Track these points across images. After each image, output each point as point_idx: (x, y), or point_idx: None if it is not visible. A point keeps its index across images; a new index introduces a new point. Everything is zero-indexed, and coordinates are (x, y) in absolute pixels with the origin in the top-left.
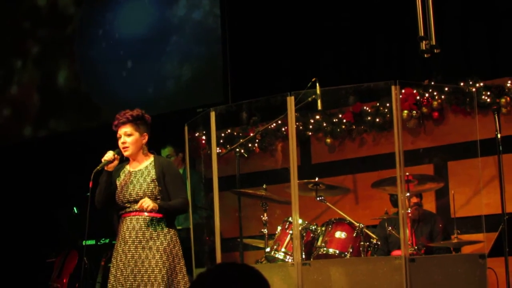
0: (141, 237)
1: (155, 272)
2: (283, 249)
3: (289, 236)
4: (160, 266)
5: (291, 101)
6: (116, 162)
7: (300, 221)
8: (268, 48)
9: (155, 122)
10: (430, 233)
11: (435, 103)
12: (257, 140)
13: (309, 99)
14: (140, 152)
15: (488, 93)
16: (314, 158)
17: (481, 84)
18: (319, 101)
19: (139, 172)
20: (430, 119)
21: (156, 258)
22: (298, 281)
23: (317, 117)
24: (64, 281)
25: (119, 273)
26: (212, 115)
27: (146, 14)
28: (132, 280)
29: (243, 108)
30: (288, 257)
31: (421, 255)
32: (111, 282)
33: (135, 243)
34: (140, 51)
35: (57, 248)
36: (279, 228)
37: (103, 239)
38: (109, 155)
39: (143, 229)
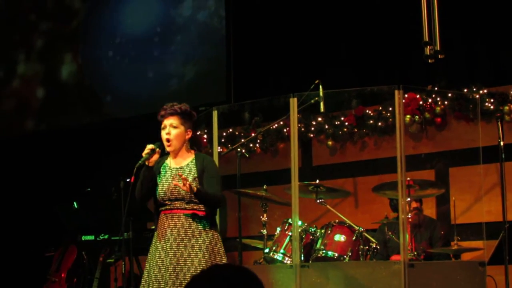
0: (183, 235)
1: (197, 271)
2: (282, 250)
3: (288, 237)
4: (203, 265)
5: (293, 102)
6: (157, 156)
7: (299, 223)
8: (272, 49)
9: (157, 120)
10: (430, 238)
11: (438, 108)
12: (258, 141)
13: (312, 101)
14: (183, 148)
15: (492, 100)
16: (315, 160)
17: (485, 91)
18: (321, 103)
19: (180, 170)
20: (432, 124)
21: (199, 256)
22: (296, 283)
23: (319, 119)
24: (62, 275)
25: (156, 270)
26: (215, 114)
27: (151, 12)
28: (174, 279)
29: (245, 108)
30: (287, 258)
31: (420, 260)
32: (145, 277)
33: (177, 241)
34: (144, 48)
35: (56, 242)
36: (278, 229)
37: (102, 234)
38: (149, 148)
39: (185, 227)
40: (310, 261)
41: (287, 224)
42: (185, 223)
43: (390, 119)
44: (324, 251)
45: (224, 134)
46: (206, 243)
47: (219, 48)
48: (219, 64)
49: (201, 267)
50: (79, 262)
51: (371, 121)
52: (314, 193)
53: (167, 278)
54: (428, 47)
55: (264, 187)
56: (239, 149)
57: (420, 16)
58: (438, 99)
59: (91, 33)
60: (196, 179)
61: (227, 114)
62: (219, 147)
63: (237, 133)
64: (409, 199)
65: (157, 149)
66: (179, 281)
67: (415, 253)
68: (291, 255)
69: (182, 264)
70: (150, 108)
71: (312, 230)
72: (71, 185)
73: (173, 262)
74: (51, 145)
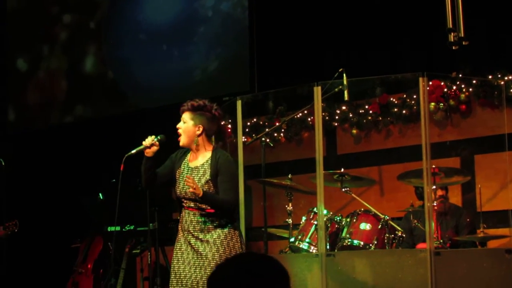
0: (199, 231)
1: (211, 265)
2: (307, 240)
3: (313, 226)
4: (217, 259)
5: (317, 91)
6: (155, 148)
7: (325, 211)
8: (295, 38)
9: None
10: (456, 226)
11: (462, 95)
12: (282, 130)
13: (336, 89)
14: (193, 144)
15: None
16: (339, 149)
17: (510, 77)
18: (346, 92)
19: (196, 170)
20: (457, 111)
21: (213, 251)
22: (322, 271)
23: (344, 107)
24: (89, 266)
25: (176, 262)
26: (239, 104)
27: (174, 3)
28: (192, 272)
29: (269, 97)
30: (312, 247)
31: (447, 248)
32: (175, 269)
33: (195, 236)
34: (168, 40)
35: (82, 234)
36: (303, 218)
37: (128, 225)
38: (148, 140)
39: (200, 224)
40: (336, 250)
41: (312, 213)
42: (200, 220)
43: (415, 107)
44: (349, 240)
45: (248, 123)
46: (221, 237)
47: (242, 38)
48: (242, 54)
49: (215, 262)
50: (105, 253)
51: (395, 109)
52: (339, 181)
53: (187, 271)
54: (452, 33)
55: (289, 176)
56: (263, 139)
57: (444, 3)
58: (463, 86)
59: (114, 25)
60: (209, 181)
61: (251, 103)
62: (243, 137)
63: (261, 122)
64: (434, 187)
65: (155, 141)
66: (199, 275)
67: (441, 241)
68: (316, 244)
69: (199, 259)
70: (174, 99)
71: (338, 218)
72: (96, 176)
73: (189, 256)
74: (76, 137)
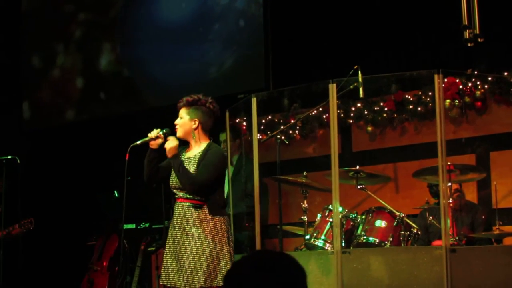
0: (185, 224)
1: (195, 259)
2: (322, 237)
3: (329, 224)
4: (200, 253)
5: (332, 88)
6: (160, 141)
7: (340, 209)
8: (310, 35)
9: None
10: (472, 223)
11: (478, 92)
12: (298, 127)
13: (351, 86)
14: (190, 137)
15: None
16: (355, 146)
17: None
18: (361, 89)
19: (187, 160)
20: (472, 108)
21: (197, 245)
22: (337, 269)
23: (359, 105)
24: (104, 264)
25: (169, 255)
26: (254, 101)
27: (189, 1)
28: (180, 266)
29: (284, 94)
30: (327, 245)
31: (462, 245)
32: (164, 263)
33: (181, 229)
34: (183, 37)
35: (97, 231)
36: (319, 215)
37: (143, 223)
38: (153, 132)
39: (187, 216)
40: (351, 247)
41: (328, 211)
42: (187, 212)
43: (430, 104)
44: (365, 237)
45: (264, 121)
46: (206, 231)
47: (257, 35)
48: (257, 51)
49: (198, 256)
50: (121, 250)
51: (410, 106)
52: (354, 179)
53: (174, 265)
54: (467, 30)
55: (304, 173)
56: (278, 136)
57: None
58: (478, 83)
59: (129, 22)
60: (197, 169)
61: (266, 101)
62: (258, 134)
63: (276, 120)
64: (450, 184)
65: (160, 134)
66: (184, 268)
67: (457, 238)
68: (332, 242)
69: (184, 252)
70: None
71: (353, 216)
72: (111, 174)
73: (176, 250)
74: (91, 134)
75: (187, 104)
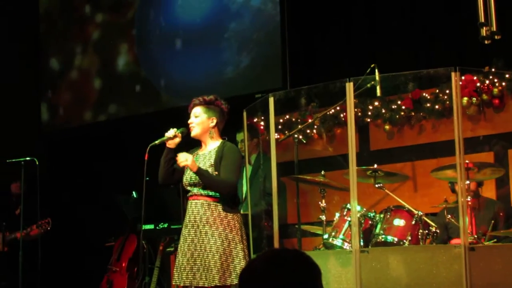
0: (198, 222)
1: (209, 258)
2: (341, 236)
3: (347, 223)
4: (214, 252)
5: (350, 87)
6: (177, 140)
7: (358, 208)
8: (327, 34)
9: None
10: (491, 221)
11: (495, 90)
12: (315, 126)
13: (368, 85)
14: (207, 135)
15: None
16: (372, 144)
17: None
18: (378, 88)
19: (202, 156)
20: (490, 106)
21: (211, 243)
22: (356, 268)
23: (376, 103)
24: (123, 265)
25: (181, 255)
26: (271, 100)
27: (205, 1)
28: (192, 264)
29: (301, 94)
30: (346, 244)
31: (481, 243)
32: (176, 263)
33: (194, 228)
34: (199, 37)
35: (116, 232)
36: (337, 214)
37: (162, 223)
38: (170, 132)
39: (200, 214)
40: (370, 246)
41: (346, 210)
42: (200, 209)
43: (447, 102)
44: (383, 236)
45: (281, 120)
46: (220, 230)
47: (274, 34)
48: (274, 50)
49: (212, 254)
50: (139, 251)
51: (428, 104)
52: (372, 177)
53: (185, 264)
54: (484, 28)
55: (322, 172)
56: (296, 136)
57: None
58: (496, 80)
59: (145, 23)
60: (213, 165)
61: (284, 100)
62: (276, 134)
63: (293, 119)
64: (468, 182)
65: (178, 133)
66: (196, 267)
67: (476, 236)
68: (350, 241)
69: (199, 250)
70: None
71: (371, 215)
72: (130, 175)
73: (190, 248)
74: (109, 135)
75: (204, 102)
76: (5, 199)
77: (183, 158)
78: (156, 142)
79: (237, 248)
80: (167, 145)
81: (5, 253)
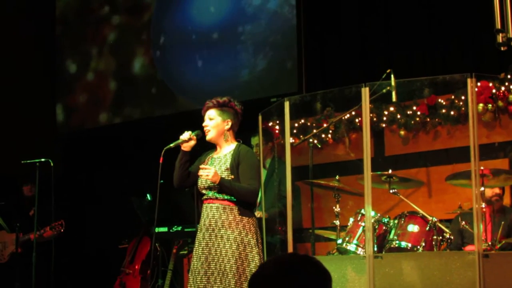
0: (213, 225)
1: (224, 262)
2: (355, 241)
3: (361, 228)
4: (230, 256)
5: (365, 92)
6: (192, 143)
7: (372, 213)
8: (343, 39)
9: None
10: (505, 228)
11: (511, 96)
12: (330, 131)
13: (384, 90)
14: (222, 138)
15: None
16: (387, 150)
17: None
18: (393, 93)
19: (217, 159)
20: (506, 112)
21: (226, 247)
22: (369, 273)
23: (391, 109)
24: (136, 267)
25: (195, 259)
26: (286, 105)
27: (221, 3)
28: (206, 268)
29: (317, 98)
30: (360, 249)
31: (495, 250)
32: (191, 267)
33: (209, 231)
34: (215, 40)
35: (130, 234)
36: (351, 220)
37: (175, 226)
38: (185, 134)
39: (215, 217)
40: (383, 252)
41: (360, 215)
42: (216, 213)
43: (463, 108)
44: (397, 242)
45: (296, 125)
46: (235, 233)
47: (290, 38)
48: (290, 54)
49: (228, 258)
50: (152, 254)
51: (443, 110)
52: (387, 183)
53: (199, 268)
54: (500, 34)
55: (337, 177)
56: (311, 140)
57: (492, 3)
58: (511, 87)
59: (162, 26)
60: (228, 169)
61: (299, 104)
62: (291, 138)
63: (309, 123)
64: (482, 188)
65: (193, 136)
66: (211, 270)
67: (490, 243)
68: (364, 246)
69: (214, 254)
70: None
71: (385, 220)
72: (145, 177)
73: (205, 252)
74: (124, 137)
75: (218, 105)
76: (20, 200)
77: (205, 172)
78: (171, 145)
79: (253, 252)
80: (182, 148)
81: (19, 254)
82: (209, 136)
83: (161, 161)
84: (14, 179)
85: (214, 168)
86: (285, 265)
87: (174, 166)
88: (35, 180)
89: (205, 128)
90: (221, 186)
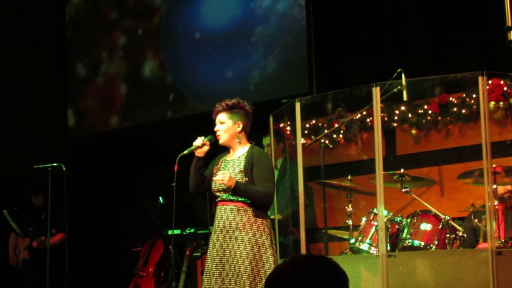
0: (228, 227)
1: (239, 263)
2: (368, 241)
3: (374, 227)
4: (244, 257)
5: (376, 91)
6: (206, 148)
7: (385, 212)
8: (353, 38)
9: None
10: None
11: None
12: (342, 131)
13: (395, 89)
14: (235, 140)
15: None
16: (399, 149)
17: None
18: (404, 92)
19: (231, 162)
20: None
21: (241, 248)
22: (382, 272)
23: (403, 108)
24: (150, 270)
25: (210, 260)
26: (297, 105)
27: (231, 5)
28: (221, 269)
29: (328, 98)
30: (373, 248)
31: (509, 248)
32: (205, 269)
33: (223, 233)
34: (225, 41)
35: (143, 237)
36: (364, 219)
37: (189, 228)
38: (198, 140)
39: (230, 219)
40: (397, 251)
41: (373, 214)
42: (230, 215)
43: (474, 106)
44: (410, 240)
45: (307, 125)
46: (250, 235)
47: (300, 39)
48: (300, 55)
49: (242, 260)
50: (166, 256)
51: (455, 109)
52: (399, 182)
53: (214, 269)
54: (511, 32)
55: (349, 177)
56: (322, 140)
57: (503, 0)
58: None
59: (171, 28)
60: (242, 171)
61: (310, 105)
62: (302, 139)
63: (320, 124)
64: (495, 186)
65: (206, 141)
66: (225, 272)
67: (503, 240)
68: (377, 245)
69: (228, 256)
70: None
71: (398, 219)
72: (157, 180)
73: (219, 253)
74: (135, 140)
75: (227, 108)
76: (32, 205)
77: (220, 177)
78: (185, 152)
79: (268, 253)
80: (196, 154)
81: (30, 258)
82: (221, 141)
83: (175, 169)
84: (23, 187)
85: (229, 172)
86: (303, 266)
87: (187, 170)
88: (42, 189)
89: (217, 133)
90: (236, 190)
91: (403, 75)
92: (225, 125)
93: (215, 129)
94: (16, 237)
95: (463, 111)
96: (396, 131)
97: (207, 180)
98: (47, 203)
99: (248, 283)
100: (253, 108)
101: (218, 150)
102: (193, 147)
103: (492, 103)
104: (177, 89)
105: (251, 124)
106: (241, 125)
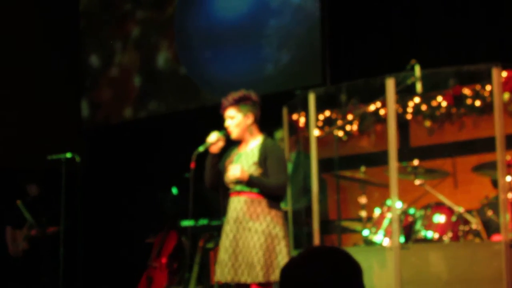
0: (241, 218)
1: (252, 254)
2: (381, 232)
3: (387, 219)
4: (257, 248)
5: (390, 83)
6: (221, 144)
7: (399, 204)
8: (367, 30)
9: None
10: None
11: None
12: (356, 123)
13: (409, 81)
14: (247, 133)
15: None
16: (413, 141)
17: None
18: (418, 84)
19: (244, 154)
20: None
21: (254, 239)
22: (396, 264)
23: (416, 100)
24: (163, 261)
25: (223, 251)
26: (311, 97)
27: None
28: (234, 260)
29: (342, 90)
30: (386, 240)
31: None
32: (218, 259)
33: (236, 224)
34: (239, 34)
35: (156, 229)
36: (377, 211)
37: (202, 219)
38: (213, 136)
39: (243, 210)
40: (410, 243)
41: (386, 206)
42: (243, 206)
43: (488, 98)
44: (423, 232)
45: (321, 117)
46: (263, 226)
47: (314, 31)
48: (314, 47)
49: (255, 251)
50: (179, 248)
51: (469, 101)
52: (412, 174)
53: (227, 260)
54: None
55: (362, 169)
56: (336, 132)
57: None
58: None
59: (185, 20)
60: (256, 163)
61: (323, 97)
62: (316, 131)
63: (334, 116)
64: (509, 178)
65: (220, 136)
66: (238, 263)
67: None
68: (390, 237)
69: (241, 247)
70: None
71: (411, 211)
72: (170, 171)
73: (232, 244)
74: (150, 132)
75: (235, 102)
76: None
77: (232, 171)
78: (200, 149)
79: (281, 244)
80: (211, 150)
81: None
82: (234, 135)
83: (192, 167)
84: (17, 178)
85: (241, 166)
86: (317, 257)
87: (201, 162)
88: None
89: (228, 129)
90: (249, 183)
91: (417, 67)
92: (236, 120)
93: (226, 125)
94: (12, 229)
95: (477, 103)
96: (410, 123)
97: (222, 174)
98: (42, 194)
99: (262, 274)
100: (259, 96)
101: (230, 143)
102: (207, 144)
103: (506, 94)
104: (191, 80)
105: (261, 114)
106: (251, 117)
